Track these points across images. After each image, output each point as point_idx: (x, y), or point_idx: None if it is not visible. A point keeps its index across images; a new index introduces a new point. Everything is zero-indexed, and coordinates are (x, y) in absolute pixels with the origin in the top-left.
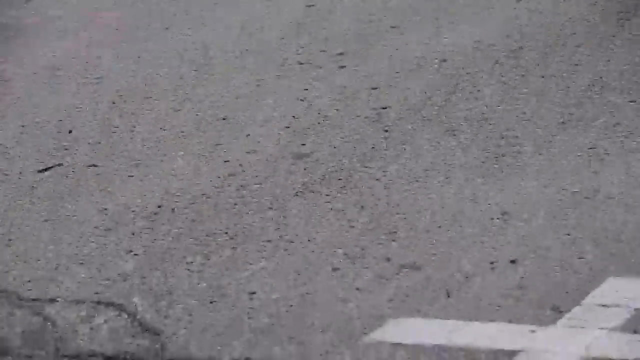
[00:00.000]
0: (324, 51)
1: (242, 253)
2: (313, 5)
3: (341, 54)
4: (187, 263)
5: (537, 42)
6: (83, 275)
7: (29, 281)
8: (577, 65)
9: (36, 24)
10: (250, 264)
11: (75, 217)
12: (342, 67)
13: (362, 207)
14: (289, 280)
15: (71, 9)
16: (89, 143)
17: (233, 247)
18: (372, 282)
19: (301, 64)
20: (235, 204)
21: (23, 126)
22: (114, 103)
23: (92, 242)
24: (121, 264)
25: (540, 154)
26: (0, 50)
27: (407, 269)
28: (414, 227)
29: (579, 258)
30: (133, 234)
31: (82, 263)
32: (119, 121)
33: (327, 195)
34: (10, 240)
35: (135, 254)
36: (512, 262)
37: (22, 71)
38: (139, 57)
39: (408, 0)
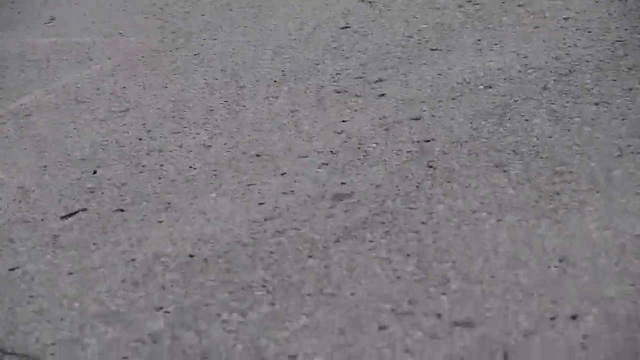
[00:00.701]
0: (361, 77)
1: (281, 309)
2: (348, 27)
3: (380, 80)
4: (222, 321)
5: (588, 65)
6: (110, 336)
7: (53, 344)
8: (631, 89)
9: (56, 51)
10: (290, 322)
11: (101, 270)
12: (382, 95)
13: (408, 254)
14: (332, 341)
15: (93, 34)
16: (115, 185)
17: (271, 303)
18: (423, 342)
19: (338, 92)
20: (272, 252)
21: (45, 166)
22: (140, 139)
23: (120, 297)
24: (151, 322)
25: (597, 192)
26: (18, 82)
27: (460, 327)
28: (466, 277)
29: None
30: (163, 288)
31: (108, 322)
32: (147, 160)
33: (370, 241)
34: (31, 297)
35: (167, 311)
36: (574, 317)
37: (43, 104)
38: (165, 87)
39: (447, 20)
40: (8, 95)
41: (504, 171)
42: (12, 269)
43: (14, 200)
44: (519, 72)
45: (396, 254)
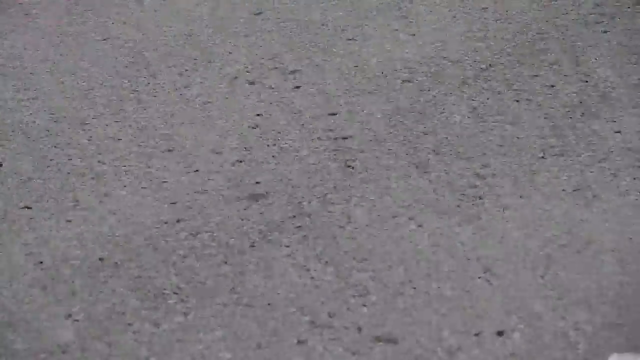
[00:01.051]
0: (275, 68)
1: (195, 319)
2: (260, 13)
3: (294, 71)
4: (133, 332)
5: (508, 59)
6: (18, 347)
7: None
8: (553, 86)
9: None
10: (205, 333)
11: (8, 272)
12: (297, 87)
13: (326, 262)
14: (249, 355)
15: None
16: (21, 179)
17: (184, 312)
18: (344, 358)
19: (252, 83)
20: (186, 257)
21: None
22: (47, 131)
23: (27, 303)
24: (60, 331)
25: (521, 197)
26: None
27: (382, 342)
28: (386, 287)
29: (575, 329)
30: (73, 294)
31: (16, 331)
32: (53, 152)
33: (286, 246)
34: None
35: (76, 319)
36: (500, 333)
37: None
38: (73, 74)
39: (362, 6)
40: None
41: (425, 172)
42: None
43: None
44: (437, 65)
45: (314, 261)
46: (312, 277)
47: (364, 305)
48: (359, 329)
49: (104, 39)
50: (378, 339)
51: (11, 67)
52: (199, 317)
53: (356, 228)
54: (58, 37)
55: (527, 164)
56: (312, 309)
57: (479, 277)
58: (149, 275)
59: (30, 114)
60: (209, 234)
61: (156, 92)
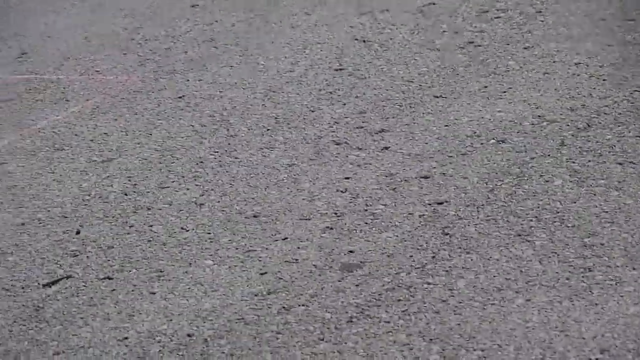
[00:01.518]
0: (361, 127)
1: None
2: (343, 69)
3: (382, 131)
4: None
5: (607, 118)
6: None
7: None
8: None
9: (30, 91)
10: None
11: (90, 349)
12: (386, 148)
13: (430, 339)
14: None
15: (70, 70)
16: (100, 247)
17: None
18: None
19: (337, 143)
20: (279, 334)
21: (23, 224)
22: (125, 194)
23: None
24: None
25: (634, 269)
26: None
27: None
28: None
29: None
30: None
31: None
32: (134, 218)
33: (386, 322)
34: None
35: None
36: None
37: (19, 151)
38: (150, 134)
39: (448, 63)
40: None
41: (528, 241)
42: None
43: None
44: (532, 124)
45: (417, 338)
46: (417, 357)
47: None
48: None
49: (179, 97)
50: None
51: (85, 127)
52: None
53: (460, 302)
54: (131, 94)
55: (638, 233)
56: None
57: (597, 359)
58: (241, 354)
59: (107, 176)
60: (303, 307)
61: (237, 153)
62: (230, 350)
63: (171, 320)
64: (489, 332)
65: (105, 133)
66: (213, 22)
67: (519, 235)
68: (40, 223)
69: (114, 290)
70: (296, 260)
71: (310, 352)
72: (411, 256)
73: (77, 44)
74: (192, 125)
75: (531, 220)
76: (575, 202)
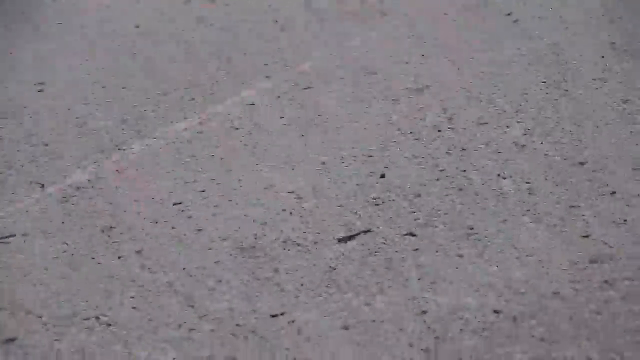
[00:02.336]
0: None
1: None
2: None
3: None
4: None
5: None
6: None
7: None
8: None
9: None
10: None
11: (383, 324)
12: None
13: None
14: None
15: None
16: (405, 196)
17: None
18: None
19: None
20: (598, 314)
21: (324, 163)
22: (439, 130)
23: None
24: None
25: None
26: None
27: None
28: None
29: None
30: (459, 352)
31: None
32: (445, 161)
33: None
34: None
35: None
36: None
37: (325, 74)
38: (471, 59)
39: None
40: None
41: None
42: (274, 315)
43: (285, 211)
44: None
45: None
46: None
47: None
48: None
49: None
50: None
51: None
52: None
53: None
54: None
55: None
56: None
57: None
58: (553, 338)
59: (420, 108)
60: (628, 282)
61: (568, 84)
62: (542, 334)
63: (478, 290)
64: None
65: (422, 55)
66: None
67: None
68: (342, 163)
69: (416, 249)
70: (624, 221)
71: (633, 341)
72: None
73: None
74: (519, 49)
75: None
76: None
